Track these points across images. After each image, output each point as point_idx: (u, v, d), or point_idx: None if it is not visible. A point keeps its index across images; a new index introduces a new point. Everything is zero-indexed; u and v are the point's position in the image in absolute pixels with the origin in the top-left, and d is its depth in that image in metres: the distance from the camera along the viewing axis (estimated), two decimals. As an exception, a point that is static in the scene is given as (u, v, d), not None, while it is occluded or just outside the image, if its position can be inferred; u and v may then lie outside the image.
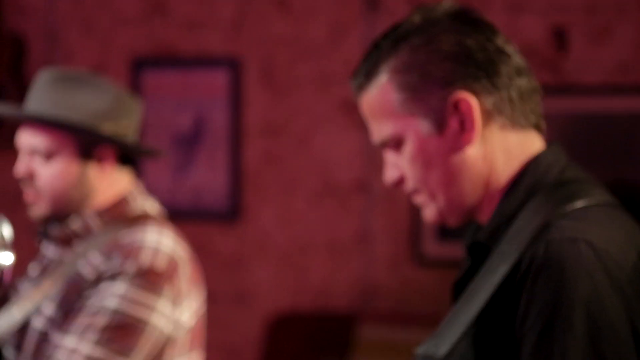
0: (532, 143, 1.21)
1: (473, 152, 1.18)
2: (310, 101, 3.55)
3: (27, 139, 1.83)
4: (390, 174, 1.23)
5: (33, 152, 1.83)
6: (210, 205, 3.59)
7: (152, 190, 1.99)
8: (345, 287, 3.51)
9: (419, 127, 1.19)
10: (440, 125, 1.18)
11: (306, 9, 3.53)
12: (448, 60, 1.18)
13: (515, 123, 1.19)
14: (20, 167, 1.84)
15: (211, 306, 3.48)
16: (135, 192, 1.88)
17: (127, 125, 1.85)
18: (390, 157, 1.23)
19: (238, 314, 3.59)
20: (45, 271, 1.85)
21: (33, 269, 1.90)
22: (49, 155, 1.81)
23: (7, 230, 1.36)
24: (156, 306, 1.76)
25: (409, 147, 1.20)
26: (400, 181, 1.22)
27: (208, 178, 3.59)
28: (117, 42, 3.66)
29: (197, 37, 3.61)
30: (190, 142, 3.61)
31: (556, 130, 3.28)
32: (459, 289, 1.21)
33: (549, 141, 1.23)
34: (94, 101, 1.82)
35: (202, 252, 3.58)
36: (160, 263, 1.78)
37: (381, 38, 1.22)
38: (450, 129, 1.18)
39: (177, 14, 3.62)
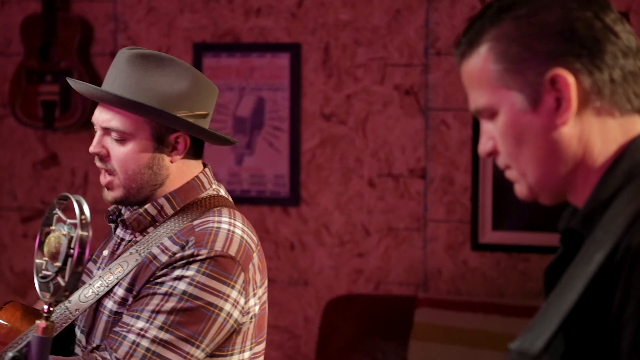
0: (632, 127, 1.16)
1: (567, 132, 1.14)
2: (369, 86, 3.57)
3: (105, 118, 1.82)
4: (483, 145, 1.21)
5: (108, 131, 1.82)
6: (271, 190, 3.64)
7: (213, 173, 2.00)
8: (402, 271, 3.54)
9: (514, 101, 1.15)
10: (535, 101, 1.15)
11: (366, -5, 3.55)
12: (551, 34, 1.13)
13: (615, 105, 1.14)
14: (96, 144, 1.84)
15: (272, 289, 3.54)
16: (206, 178, 1.87)
17: (202, 111, 1.83)
18: (485, 127, 1.20)
19: (297, 296, 3.64)
20: (116, 253, 1.86)
21: (104, 250, 1.91)
22: (124, 136, 1.80)
23: (86, 209, 1.41)
24: (228, 293, 1.74)
25: (501, 120, 1.17)
26: (493, 153, 1.20)
27: (269, 162, 3.63)
28: (180, 27, 3.72)
29: (258, 22, 3.65)
30: (251, 126, 3.66)
31: None
32: (551, 275, 1.18)
33: None
34: (174, 85, 1.79)
35: (262, 236, 3.64)
36: (235, 249, 1.76)
37: (485, 7, 1.19)
38: (545, 106, 1.14)
39: (238, -1, 3.67)
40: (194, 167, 1.87)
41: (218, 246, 1.75)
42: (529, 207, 3.31)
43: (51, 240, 1.44)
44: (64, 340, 1.86)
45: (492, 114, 1.18)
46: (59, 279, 1.42)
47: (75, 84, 1.89)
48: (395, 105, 3.54)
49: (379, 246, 3.55)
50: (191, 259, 1.73)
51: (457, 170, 3.49)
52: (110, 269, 1.81)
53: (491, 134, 1.19)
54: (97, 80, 3.75)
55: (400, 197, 3.53)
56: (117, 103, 1.79)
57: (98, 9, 3.79)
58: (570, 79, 1.13)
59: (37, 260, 1.45)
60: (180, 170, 1.84)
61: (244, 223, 1.82)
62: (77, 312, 1.79)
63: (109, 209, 1.93)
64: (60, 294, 1.41)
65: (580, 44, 1.13)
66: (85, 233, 1.40)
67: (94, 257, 1.96)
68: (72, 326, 1.86)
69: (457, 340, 3.21)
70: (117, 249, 1.87)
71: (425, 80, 3.51)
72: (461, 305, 3.28)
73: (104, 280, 1.80)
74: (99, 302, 1.81)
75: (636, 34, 1.18)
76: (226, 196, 1.88)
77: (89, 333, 1.83)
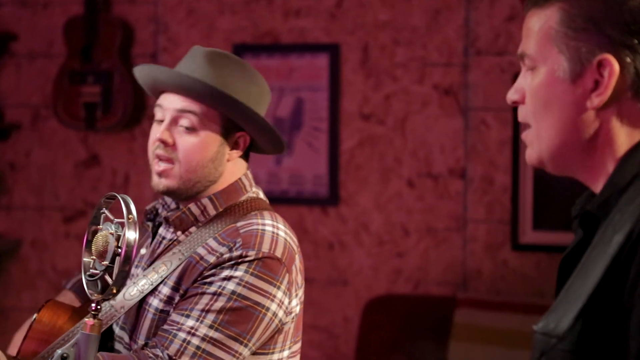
0: None
1: (593, 116, 1.17)
2: (408, 86, 3.56)
3: (181, 105, 1.80)
4: (512, 93, 1.24)
5: (178, 120, 1.80)
6: (310, 190, 3.65)
7: (253, 174, 2.02)
8: (442, 271, 3.53)
9: (558, 65, 1.18)
10: (576, 75, 1.17)
11: (405, -5, 3.54)
12: (619, 19, 1.16)
13: None
14: (164, 131, 1.80)
15: (311, 288, 3.54)
16: (248, 180, 1.90)
17: (263, 114, 1.85)
18: (521, 79, 1.23)
19: (337, 296, 3.64)
20: (156, 251, 1.87)
21: (141, 248, 1.91)
22: (196, 126, 1.79)
23: (133, 208, 1.43)
24: (274, 293, 1.77)
25: (539, 77, 1.20)
26: (518, 102, 1.23)
27: (307, 163, 3.64)
28: (219, 28, 3.75)
29: (297, 23, 3.66)
30: (290, 126, 3.67)
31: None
32: (568, 262, 1.21)
33: None
34: (246, 85, 1.81)
35: (301, 235, 3.64)
36: (280, 251, 1.79)
37: None
38: (584, 83, 1.17)
39: (277, 0, 3.68)
40: (240, 168, 1.89)
41: (265, 248, 1.77)
42: (569, 207, 3.28)
43: (99, 239, 1.46)
44: (102, 337, 1.84)
45: (533, 67, 1.21)
46: (107, 277, 1.44)
47: (154, 70, 1.85)
48: (434, 105, 3.53)
49: (418, 246, 3.55)
50: (239, 260, 1.76)
51: (497, 170, 3.47)
52: (154, 267, 1.83)
53: (522, 88, 1.23)
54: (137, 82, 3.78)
55: (439, 197, 3.52)
56: (205, 92, 1.78)
57: (139, 10, 3.83)
58: (616, 67, 1.16)
59: (85, 259, 1.47)
60: (232, 170, 1.87)
61: (285, 225, 1.85)
62: (122, 310, 1.81)
63: (147, 207, 1.95)
64: (109, 292, 1.43)
65: None
66: (132, 232, 1.42)
67: (138, 254, 1.94)
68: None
69: (497, 341, 3.20)
70: (158, 247, 1.88)
71: (465, 80, 3.49)
72: (501, 306, 3.26)
73: (149, 278, 1.82)
74: (142, 300, 1.83)
75: None
76: (264, 199, 1.91)
77: (132, 330, 1.84)
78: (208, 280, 1.77)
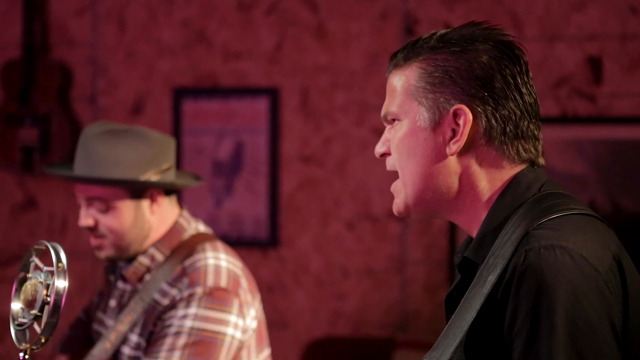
0: (515, 170, 1.30)
1: (453, 163, 1.29)
2: (347, 129, 3.60)
3: (84, 194, 2.06)
4: (379, 147, 1.36)
5: (91, 204, 2.05)
6: (249, 232, 3.65)
7: (193, 215, 2.16)
8: (381, 313, 3.54)
9: (418, 116, 1.30)
10: (436, 123, 1.29)
11: (343, 38, 3.60)
12: (472, 75, 1.28)
13: (503, 155, 1.29)
14: (84, 219, 2.07)
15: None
16: (185, 220, 2.10)
17: (168, 165, 2.06)
18: (386, 133, 1.35)
19: (277, 339, 3.63)
20: (121, 303, 2.09)
21: (110, 300, 2.14)
22: (105, 206, 2.04)
23: (63, 257, 1.42)
24: (228, 319, 1.99)
25: (402, 129, 1.31)
26: (385, 155, 1.35)
27: (247, 205, 3.65)
28: (159, 71, 3.75)
29: (236, 66, 3.69)
30: (230, 169, 3.68)
31: (592, 157, 3.30)
32: (450, 302, 1.31)
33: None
34: (137, 153, 2.03)
35: (240, 277, 3.64)
36: (224, 280, 2.01)
37: (431, 33, 1.33)
38: (442, 131, 1.29)
39: (217, 44, 3.70)
40: (171, 213, 2.10)
41: (210, 282, 2.00)
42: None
43: (28, 287, 1.44)
44: None
45: (395, 121, 1.33)
46: (36, 327, 1.42)
47: (51, 171, 2.23)
48: (373, 147, 3.56)
49: (357, 288, 3.56)
50: (190, 298, 1.98)
51: (435, 211, 3.52)
52: (120, 320, 2.05)
53: (388, 140, 1.34)
54: (76, 125, 3.76)
55: (378, 239, 3.55)
56: (92, 183, 2.05)
57: (77, 53, 3.82)
58: (470, 116, 1.28)
59: (14, 308, 1.46)
60: (160, 219, 2.07)
61: (226, 252, 2.06)
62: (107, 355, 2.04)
63: (105, 264, 2.18)
64: (37, 342, 1.41)
65: (491, 93, 1.28)
66: (61, 281, 1.41)
67: (101, 306, 2.19)
68: None
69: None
70: (122, 299, 2.10)
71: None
72: (440, 347, 3.28)
73: (118, 331, 2.04)
74: (117, 351, 2.05)
75: (537, 97, 1.32)
76: (206, 231, 2.12)
77: None
78: (167, 322, 1.99)
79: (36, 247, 1.49)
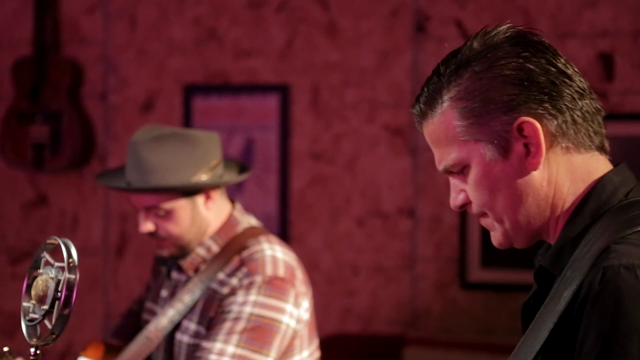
0: (597, 164, 1.20)
1: (538, 176, 1.18)
2: (357, 126, 3.60)
3: (140, 203, 2.12)
4: (454, 199, 1.23)
5: (149, 211, 2.11)
6: (259, 228, 3.65)
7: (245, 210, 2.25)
8: (391, 310, 3.54)
9: (484, 153, 1.18)
10: (505, 150, 1.18)
11: (354, 36, 3.60)
12: (510, 85, 1.17)
13: (579, 145, 1.19)
14: (143, 225, 2.12)
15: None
16: (238, 211, 2.18)
17: (216, 161, 2.12)
18: (454, 182, 1.23)
19: (286, 335, 3.63)
20: (175, 293, 2.16)
21: (162, 290, 2.21)
22: (163, 213, 2.10)
23: (74, 252, 1.42)
24: (284, 307, 2.08)
25: (473, 173, 1.20)
26: (465, 205, 1.23)
27: (257, 202, 3.65)
28: (170, 69, 3.76)
29: (247, 64, 3.69)
30: (240, 166, 3.68)
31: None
32: (527, 312, 1.21)
33: (616, 162, 1.22)
34: (185, 155, 2.08)
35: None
36: (281, 271, 2.09)
37: (441, 65, 1.22)
38: (515, 153, 1.18)
39: (228, 41, 3.71)
40: (225, 205, 2.17)
41: (268, 271, 2.07)
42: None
43: (38, 283, 1.45)
44: None
45: (462, 168, 1.21)
46: (47, 322, 1.42)
47: (103, 182, 2.26)
48: (383, 145, 3.57)
49: (367, 285, 3.56)
50: (249, 286, 2.06)
51: (446, 209, 3.51)
52: (178, 298, 2.11)
53: (460, 187, 1.23)
54: (86, 122, 3.78)
55: (389, 236, 3.55)
56: (145, 192, 2.10)
57: (88, 51, 3.83)
58: (536, 124, 1.17)
59: (25, 304, 1.46)
60: (216, 214, 2.15)
61: (281, 245, 2.14)
62: (157, 340, 2.10)
63: (157, 254, 2.23)
64: (48, 337, 1.41)
65: (539, 90, 1.18)
66: (72, 276, 1.41)
67: (151, 296, 2.25)
68: None
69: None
70: (176, 289, 2.16)
71: (414, 121, 3.53)
72: (449, 344, 3.28)
73: (176, 309, 2.10)
74: (172, 338, 2.12)
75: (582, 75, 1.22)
76: (257, 224, 2.19)
77: None
78: (227, 308, 2.07)
79: (47, 242, 1.49)
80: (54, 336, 1.41)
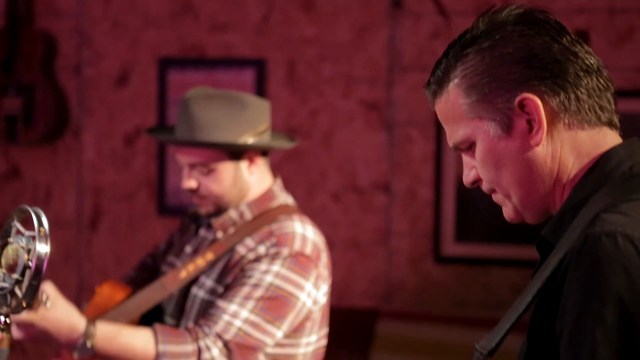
0: (604, 139, 1.21)
1: (542, 151, 1.20)
2: (333, 101, 3.60)
3: (186, 159, 2.13)
4: (466, 176, 1.27)
5: (194, 168, 2.13)
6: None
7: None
8: (366, 284, 3.56)
9: (488, 130, 1.22)
10: (508, 127, 1.21)
11: (331, 10, 3.58)
12: (512, 62, 1.20)
13: (584, 121, 1.20)
14: (187, 182, 2.14)
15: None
16: (278, 189, 2.20)
17: (264, 127, 2.14)
18: (466, 159, 1.27)
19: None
20: (199, 249, 2.18)
21: (186, 246, 2.23)
22: (207, 169, 2.12)
23: (45, 221, 1.42)
24: (304, 285, 2.09)
25: (479, 149, 1.23)
26: (476, 181, 1.26)
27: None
28: (145, 42, 3.73)
29: (223, 38, 3.67)
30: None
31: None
32: None
33: (627, 137, 1.23)
34: (234, 116, 2.10)
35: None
36: (308, 249, 2.11)
37: (450, 46, 1.25)
38: (518, 129, 1.20)
39: (203, 15, 3.69)
40: (267, 176, 2.20)
41: (296, 246, 2.10)
42: (491, 220, 3.36)
43: (9, 252, 1.44)
44: (154, 319, 2.17)
45: (469, 145, 1.25)
46: (17, 291, 1.42)
47: (154, 135, 2.34)
48: (359, 120, 3.57)
49: (343, 259, 3.57)
50: (275, 256, 2.08)
51: (420, 184, 3.52)
52: (203, 255, 2.13)
53: (472, 164, 1.26)
54: (60, 95, 3.74)
55: (364, 210, 3.56)
56: (193, 146, 2.12)
57: (62, 23, 3.79)
58: (537, 100, 1.19)
59: (-5, 272, 1.45)
60: (258, 181, 2.17)
61: (313, 226, 2.16)
62: (171, 289, 2.13)
63: (189, 210, 2.28)
64: (18, 306, 1.41)
65: (542, 67, 1.19)
66: (43, 245, 1.40)
67: (174, 250, 2.26)
68: (161, 313, 2.19)
69: (418, 351, 3.24)
70: (201, 245, 2.19)
71: (390, 96, 3.54)
72: (423, 318, 3.31)
73: (197, 264, 2.12)
74: (188, 292, 2.14)
75: (594, 53, 1.24)
76: (293, 205, 2.21)
77: (180, 317, 2.15)
78: (248, 273, 2.07)
79: (18, 211, 1.48)
80: (24, 305, 1.41)
